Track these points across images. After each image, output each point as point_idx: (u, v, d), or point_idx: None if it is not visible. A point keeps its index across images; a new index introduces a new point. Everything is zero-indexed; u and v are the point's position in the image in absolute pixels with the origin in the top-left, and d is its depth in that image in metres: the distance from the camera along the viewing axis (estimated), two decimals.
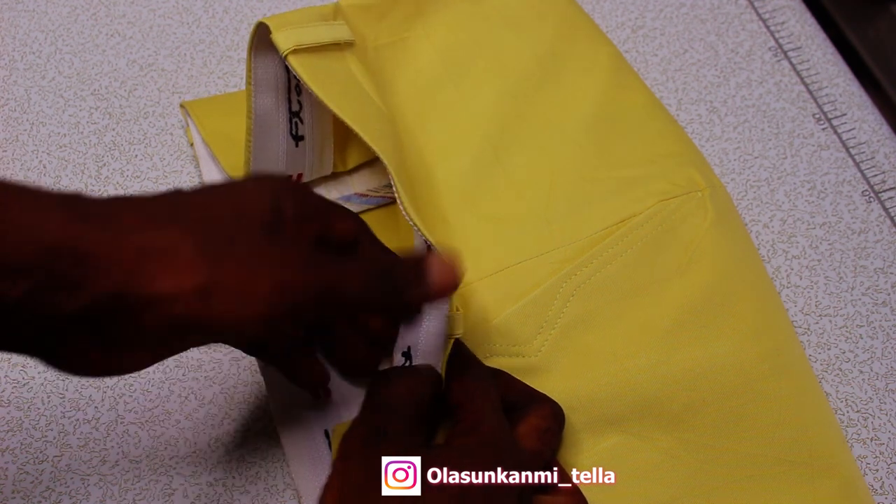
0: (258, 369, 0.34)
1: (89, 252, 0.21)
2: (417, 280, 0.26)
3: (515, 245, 0.34)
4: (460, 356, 0.29)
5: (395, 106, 0.38)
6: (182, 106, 0.41)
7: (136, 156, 0.41)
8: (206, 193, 0.25)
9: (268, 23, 0.32)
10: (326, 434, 0.33)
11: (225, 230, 0.23)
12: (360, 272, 0.25)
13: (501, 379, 0.31)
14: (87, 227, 0.21)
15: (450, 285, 0.26)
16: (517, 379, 0.31)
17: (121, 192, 0.40)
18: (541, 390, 0.31)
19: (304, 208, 0.25)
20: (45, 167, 0.40)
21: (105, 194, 0.39)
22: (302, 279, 0.24)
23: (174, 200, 0.24)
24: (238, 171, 0.37)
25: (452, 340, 0.28)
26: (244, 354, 0.36)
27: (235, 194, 0.25)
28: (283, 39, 0.32)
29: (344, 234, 0.27)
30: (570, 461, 0.30)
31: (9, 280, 0.20)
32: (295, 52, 0.32)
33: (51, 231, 0.21)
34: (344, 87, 0.33)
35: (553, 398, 0.31)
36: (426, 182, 0.36)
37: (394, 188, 0.29)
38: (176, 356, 0.34)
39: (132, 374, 0.35)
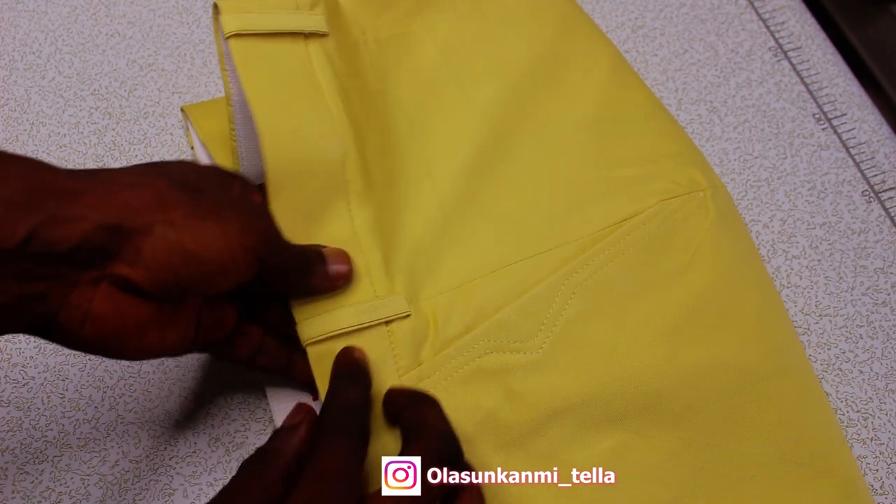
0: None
1: (82, 190, 0.23)
2: (320, 264, 0.30)
3: (517, 242, 0.34)
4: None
5: (397, 99, 0.38)
6: (182, 110, 0.41)
7: (136, 156, 0.41)
8: (175, 163, 0.28)
9: (219, 4, 0.32)
10: None
11: (193, 178, 0.26)
12: (289, 243, 0.29)
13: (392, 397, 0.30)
14: (77, 174, 0.24)
15: (345, 273, 0.31)
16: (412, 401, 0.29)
17: None
18: (541, 388, 0.31)
19: (245, 184, 0.30)
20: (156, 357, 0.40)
21: None
22: (259, 219, 0.27)
23: (151, 164, 0.27)
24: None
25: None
26: None
27: (188, 164, 0.28)
28: (228, 22, 0.32)
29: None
30: (572, 460, 0.30)
31: (10, 224, 0.21)
32: (238, 35, 0.32)
33: (46, 179, 0.23)
34: (282, 78, 0.33)
35: (554, 396, 0.31)
36: (427, 176, 0.36)
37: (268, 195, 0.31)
38: (176, 356, 0.34)
39: (132, 375, 0.35)
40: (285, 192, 0.32)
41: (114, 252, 0.23)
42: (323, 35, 0.35)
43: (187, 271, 0.25)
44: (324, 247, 0.31)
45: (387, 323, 0.31)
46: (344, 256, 0.31)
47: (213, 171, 0.28)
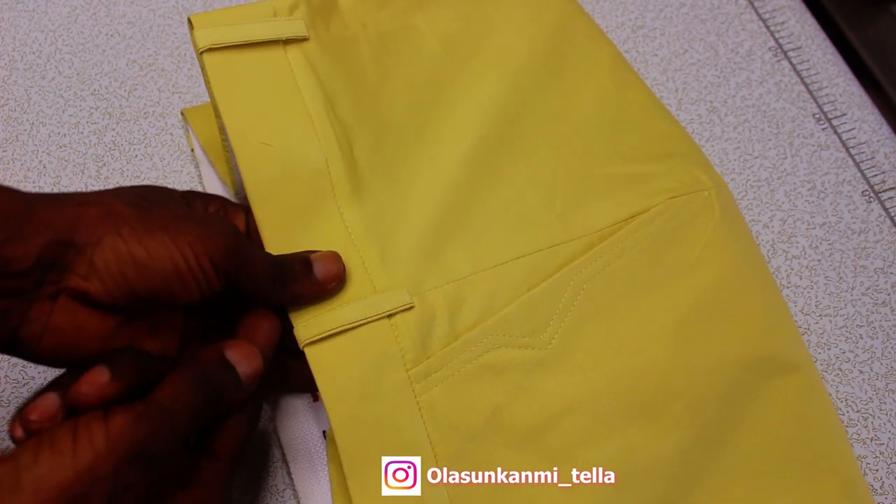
0: None
1: (33, 209, 0.24)
2: (306, 271, 0.29)
3: (524, 237, 0.34)
4: None
5: (398, 92, 0.38)
6: (182, 114, 0.41)
7: (136, 156, 0.41)
8: (135, 186, 0.29)
9: (192, 19, 0.33)
10: (325, 435, 0.33)
11: (148, 195, 0.27)
12: (263, 253, 0.29)
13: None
14: (33, 196, 0.25)
15: (337, 276, 0.30)
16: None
17: None
18: (550, 384, 0.31)
19: (205, 200, 0.30)
20: (45, 167, 0.40)
21: None
22: (219, 229, 0.27)
23: (110, 189, 0.28)
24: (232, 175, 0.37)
25: None
26: None
27: (150, 186, 0.29)
28: (202, 37, 0.32)
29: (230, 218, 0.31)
30: (581, 456, 0.30)
31: None
32: (210, 50, 0.32)
33: (3, 203, 0.24)
34: (258, 88, 0.33)
35: (563, 392, 0.31)
36: (430, 167, 0.36)
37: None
38: None
39: None
40: (267, 200, 0.32)
41: (67, 265, 0.24)
42: (303, 39, 0.35)
43: (142, 282, 0.25)
44: (313, 252, 0.31)
45: (389, 316, 0.31)
46: (333, 258, 0.31)
47: (175, 193, 0.29)
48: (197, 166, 0.41)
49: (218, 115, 0.34)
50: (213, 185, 0.39)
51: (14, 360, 0.35)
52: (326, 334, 0.30)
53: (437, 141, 0.36)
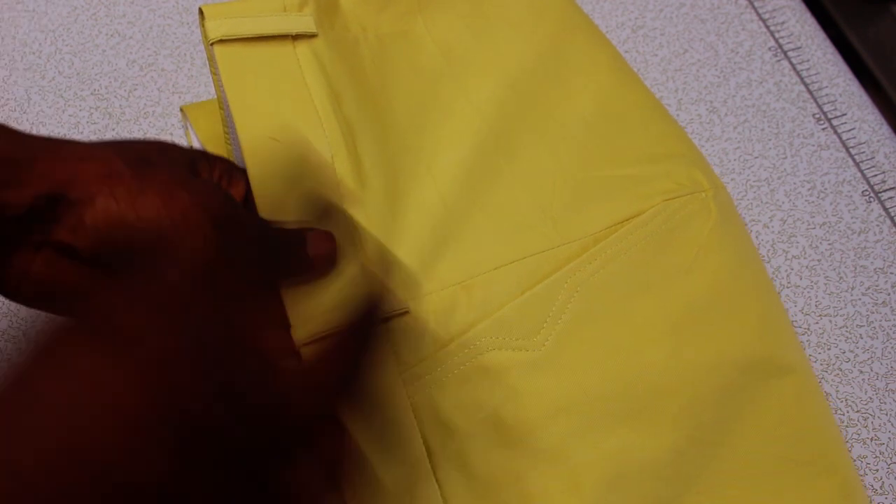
0: None
1: (34, 157, 0.24)
2: (300, 246, 0.29)
3: (519, 240, 0.34)
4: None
5: (397, 95, 0.38)
6: (182, 110, 0.41)
7: None
8: (140, 141, 0.28)
9: (204, 10, 0.33)
10: None
11: (149, 155, 0.27)
12: (260, 222, 0.29)
13: None
14: (34, 140, 0.25)
15: (330, 257, 0.30)
16: None
17: None
18: (544, 386, 0.31)
19: (210, 163, 0.29)
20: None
21: None
22: (214, 200, 0.27)
23: (113, 140, 0.27)
24: None
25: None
26: None
27: (156, 142, 0.28)
28: (213, 28, 0.32)
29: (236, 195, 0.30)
30: (576, 458, 0.30)
31: None
32: (222, 42, 0.32)
33: (1, 145, 0.24)
34: (267, 82, 0.33)
35: (557, 394, 0.31)
36: (428, 172, 0.36)
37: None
38: None
39: None
40: (270, 194, 0.32)
41: (57, 219, 0.24)
42: (312, 36, 0.35)
43: (128, 242, 0.25)
44: (309, 229, 0.30)
45: (385, 319, 0.31)
46: (325, 237, 0.30)
47: (179, 153, 0.28)
48: None
49: (223, 108, 0.34)
50: None
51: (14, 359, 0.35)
52: (323, 335, 0.30)
53: (435, 146, 0.36)
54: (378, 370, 0.30)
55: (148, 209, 0.25)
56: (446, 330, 0.32)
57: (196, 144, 0.40)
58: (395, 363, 0.31)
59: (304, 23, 0.35)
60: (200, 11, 0.33)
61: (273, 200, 0.32)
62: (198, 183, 0.27)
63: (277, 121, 0.33)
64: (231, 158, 0.35)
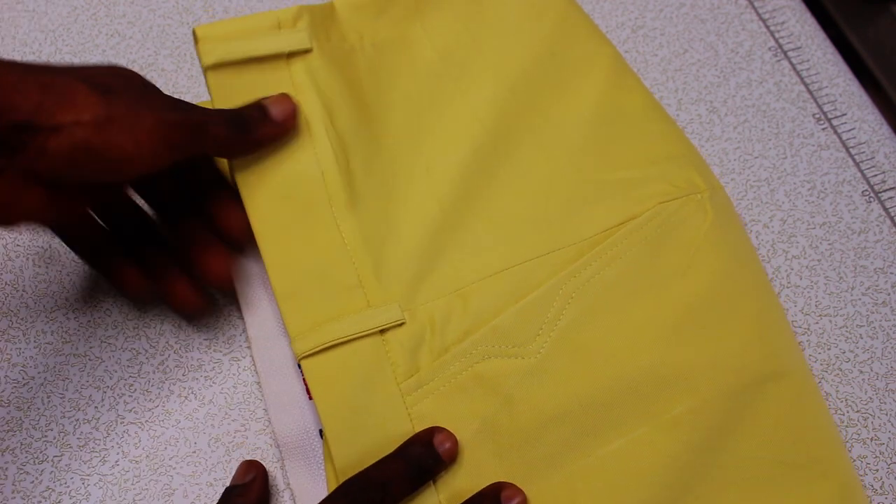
0: (257, 370, 0.34)
1: (1, 84, 0.24)
2: (263, 117, 0.32)
3: (514, 245, 0.34)
4: None
5: (394, 102, 0.38)
6: None
7: None
8: (104, 66, 0.29)
9: (197, 32, 0.33)
10: (321, 433, 0.33)
11: (112, 82, 0.28)
12: (219, 114, 0.31)
13: None
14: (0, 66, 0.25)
15: (292, 112, 0.33)
16: None
17: None
18: (540, 393, 0.31)
19: (140, 81, 0.30)
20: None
21: None
22: (178, 117, 0.29)
23: (78, 66, 0.28)
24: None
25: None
26: (244, 355, 0.36)
27: (113, 67, 0.30)
28: (206, 53, 0.33)
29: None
30: (573, 466, 0.30)
31: None
32: (216, 67, 0.33)
33: None
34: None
35: (553, 401, 0.31)
36: (425, 178, 0.36)
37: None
38: (176, 356, 0.34)
39: (132, 375, 0.35)
40: (264, 211, 0.33)
41: (21, 147, 0.25)
42: (306, 51, 0.35)
43: (92, 167, 0.27)
44: (265, 98, 0.33)
45: (382, 332, 0.32)
46: (285, 98, 0.33)
47: (138, 78, 0.30)
48: None
49: None
50: None
51: (14, 359, 0.35)
52: (321, 348, 0.31)
53: (432, 151, 0.37)
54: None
55: (113, 135, 0.26)
56: (442, 339, 0.32)
57: None
58: (391, 374, 0.31)
59: (298, 39, 0.35)
60: (194, 33, 0.33)
61: (268, 217, 0.33)
62: (157, 99, 0.29)
63: (275, 155, 0.33)
64: (227, 164, 0.35)
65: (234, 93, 0.33)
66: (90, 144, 0.26)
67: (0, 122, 0.24)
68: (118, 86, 0.28)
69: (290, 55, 0.35)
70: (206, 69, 0.33)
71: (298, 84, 0.35)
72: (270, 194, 0.33)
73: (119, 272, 0.34)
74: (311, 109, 0.34)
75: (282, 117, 0.33)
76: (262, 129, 0.32)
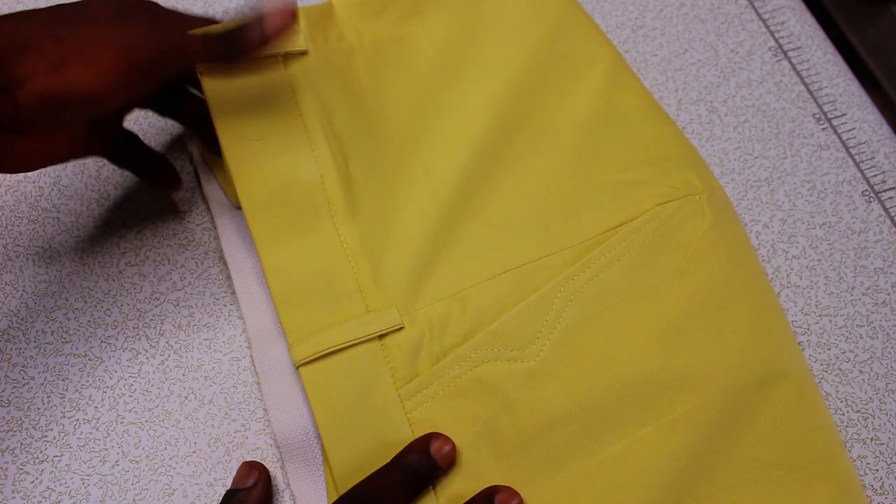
0: (256, 371, 0.34)
1: None
2: (256, 24, 0.30)
3: (513, 249, 0.34)
4: None
5: (394, 102, 0.38)
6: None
7: None
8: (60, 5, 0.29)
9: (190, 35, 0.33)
10: None
11: (73, 19, 0.27)
12: (201, 36, 0.30)
13: None
14: None
15: (284, 25, 0.31)
16: None
17: (122, 191, 0.40)
18: (539, 396, 0.31)
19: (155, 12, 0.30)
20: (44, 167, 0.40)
21: (105, 194, 0.39)
22: (149, 41, 0.28)
23: (32, 10, 0.28)
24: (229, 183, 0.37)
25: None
26: (244, 355, 0.36)
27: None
28: (209, 83, 0.33)
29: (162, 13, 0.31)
30: (573, 468, 0.30)
31: None
32: (209, 70, 0.33)
33: None
34: (255, 105, 0.34)
35: (553, 404, 0.31)
36: (425, 180, 0.36)
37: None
38: (176, 356, 0.34)
39: (132, 375, 0.35)
40: (263, 216, 0.33)
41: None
42: (302, 53, 0.35)
43: (62, 109, 0.27)
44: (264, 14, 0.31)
45: (380, 337, 0.32)
46: (283, 10, 0.31)
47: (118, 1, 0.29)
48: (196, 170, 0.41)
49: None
50: (213, 191, 0.38)
51: (14, 359, 0.35)
52: (319, 354, 0.31)
53: (432, 152, 0.37)
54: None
55: (77, 76, 0.26)
56: (441, 343, 0.32)
57: (195, 154, 0.39)
58: (391, 379, 0.31)
59: (294, 41, 0.35)
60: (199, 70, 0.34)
61: (267, 222, 0.33)
62: (129, 25, 0.28)
63: (265, 144, 0.34)
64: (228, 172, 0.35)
65: (228, 96, 0.33)
66: (53, 89, 0.26)
67: None
68: (81, 22, 0.27)
69: (287, 56, 0.35)
70: (200, 73, 0.33)
71: (296, 86, 0.35)
72: (269, 199, 0.33)
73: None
74: (309, 112, 0.34)
75: (272, 27, 0.31)
76: (249, 40, 0.31)
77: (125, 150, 0.36)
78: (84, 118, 0.29)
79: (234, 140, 0.33)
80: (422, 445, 0.29)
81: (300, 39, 0.35)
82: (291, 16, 0.31)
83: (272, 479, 0.33)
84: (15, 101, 0.26)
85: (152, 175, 0.37)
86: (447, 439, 0.30)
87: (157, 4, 0.31)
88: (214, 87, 0.33)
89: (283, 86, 0.35)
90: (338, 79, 0.36)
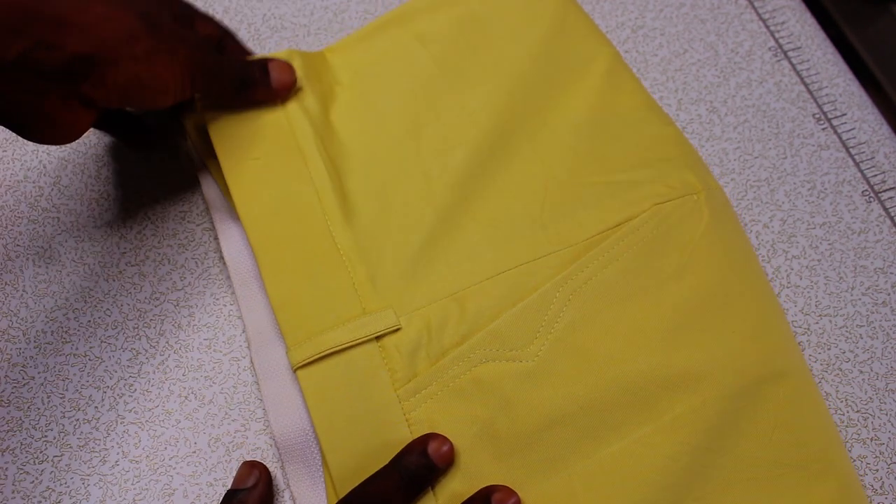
0: (256, 372, 0.34)
1: (65, 21, 0.28)
2: (264, 79, 0.36)
3: (511, 249, 0.34)
4: None
5: (391, 109, 0.38)
6: (184, 125, 0.41)
7: (136, 156, 0.41)
8: None
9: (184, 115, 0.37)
10: None
11: (156, 17, 0.31)
12: (231, 68, 0.35)
13: None
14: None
15: (288, 84, 0.36)
16: None
17: (122, 191, 0.40)
18: (538, 396, 0.31)
19: (176, 11, 0.33)
20: (45, 167, 0.40)
21: (105, 194, 0.39)
22: (205, 57, 0.33)
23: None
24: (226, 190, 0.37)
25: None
26: (244, 355, 0.36)
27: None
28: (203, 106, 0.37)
29: (208, 35, 0.35)
30: (573, 468, 0.30)
31: (5, 44, 0.27)
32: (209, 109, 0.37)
33: (35, 6, 0.27)
34: (253, 132, 0.36)
35: (552, 404, 0.31)
36: (422, 183, 0.36)
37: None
38: (176, 356, 0.34)
39: (132, 375, 0.35)
40: (261, 225, 0.34)
41: (84, 76, 0.29)
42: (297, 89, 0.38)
43: (139, 95, 0.31)
44: (271, 59, 0.36)
45: (378, 338, 0.32)
46: (287, 68, 0.36)
47: (174, 4, 0.33)
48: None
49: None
50: (212, 195, 0.38)
51: (14, 359, 0.35)
52: (317, 357, 0.31)
53: (429, 155, 0.37)
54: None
55: (161, 68, 0.30)
56: (439, 344, 0.32)
57: (196, 159, 0.39)
58: (389, 380, 0.31)
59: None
60: (185, 117, 0.36)
61: (266, 234, 0.34)
62: (190, 39, 0.32)
63: (263, 167, 0.36)
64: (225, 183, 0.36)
65: (226, 121, 0.36)
66: (141, 76, 0.30)
67: (70, 55, 0.28)
68: (161, 17, 0.31)
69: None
70: (198, 99, 0.35)
71: (291, 114, 0.37)
72: (267, 210, 0.34)
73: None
74: (304, 136, 0.36)
75: (279, 86, 0.36)
76: (258, 92, 0.36)
77: (109, 116, 0.38)
78: (142, 107, 0.33)
79: (233, 160, 0.35)
80: (419, 446, 0.29)
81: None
82: (293, 75, 0.36)
83: (273, 479, 0.33)
84: (104, 77, 0.29)
85: (131, 135, 0.39)
86: (445, 439, 0.30)
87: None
88: (213, 114, 0.36)
89: (279, 114, 0.37)
90: (332, 107, 0.38)
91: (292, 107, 0.37)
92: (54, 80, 0.28)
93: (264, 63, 0.36)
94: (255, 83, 0.35)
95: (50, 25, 0.28)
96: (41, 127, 0.30)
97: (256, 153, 0.36)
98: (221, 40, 0.36)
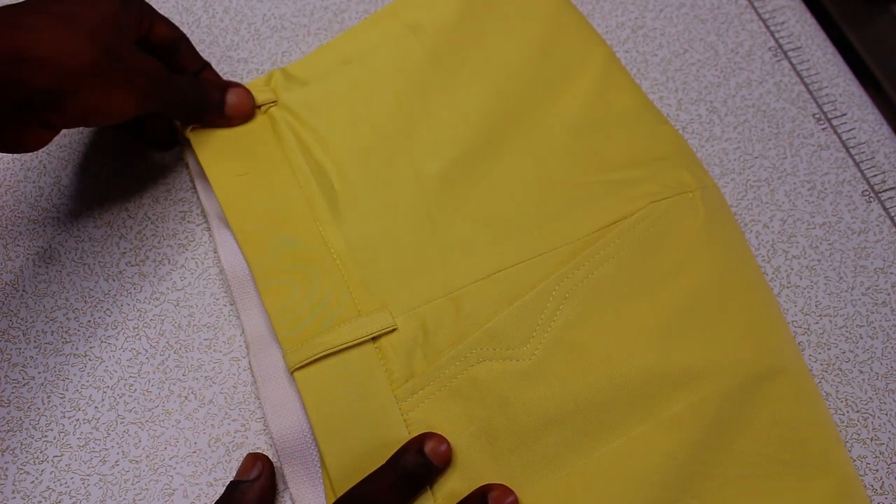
0: (255, 374, 0.34)
1: (29, 56, 0.29)
2: (220, 104, 0.37)
3: (507, 248, 0.34)
4: None
5: (384, 106, 0.38)
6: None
7: (136, 157, 0.41)
8: (106, 19, 0.33)
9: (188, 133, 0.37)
10: None
11: (117, 51, 0.31)
12: (184, 97, 0.36)
13: None
14: (15, 27, 0.29)
15: (244, 110, 0.38)
16: None
17: (122, 192, 0.40)
18: (536, 395, 0.31)
19: (133, 37, 0.34)
20: (45, 167, 0.40)
21: (105, 194, 0.39)
22: (162, 86, 0.34)
23: (42, 3, 0.31)
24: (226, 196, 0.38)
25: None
26: (244, 355, 0.36)
27: (111, 19, 0.33)
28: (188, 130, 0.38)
29: (162, 38, 0.36)
30: (571, 467, 0.30)
31: None
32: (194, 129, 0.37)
33: (12, 40, 0.28)
34: (240, 145, 0.37)
35: (549, 403, 0.31)
36: (415, 182, 0.36)
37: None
38: (176, 356, 0.34)
39: (132, 375, 0.35)
40: (254, 237, 0.35)
41: (44, 107, 0.30)
42: (272, 103, 0.39)
43: (95, 120, 0.32)
44: (232, 85, 0.38)
45: (374, 339, 0.32)
46: (245, 96, 0.38)
47: (132, 30, 0.34)
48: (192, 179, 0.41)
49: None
50: (209, 202, 0.38)
51: (14, 360, 0.35)
52: (313, 359, 0.31)
53: (421, 155, 0.37)
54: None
55: (118, 99, 0.32)
56: (436, 344, 0.32)
57: (191, 162, 0.39)
58: (386, 380, 0.31)
59: (265, 95, 0.39)
60: (185, 137, 0.37)
61: (260, 237, 0.35)
62: (147, 65, 0.33)
63: (252, 176, 0.36)
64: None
65: (212, 141, 0.37)
66: (99, 107, 0.31)
67: (30, 88, 0.29)
68: (121, 51, 0.32)
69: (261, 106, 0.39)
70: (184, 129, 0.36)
71: (276, 121, 0.38)
72: (259, 223, 0.35)
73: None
74: (289, 144, 0.37)
75: (232, 112, 0.37)
76: (213, 116, 0.37)
77: (135, 123, 0.38)
78: (99, 125, 0.34)
79: (221, 177, 0.36)
80: (416, 446, 0.29)
81: (269, 93, 0.39)
82: (249, 100, 0.38)
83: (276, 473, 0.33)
84: (64, 106, 0.30)
85: (156, 140, 0.40)
86: (441, 439, 0.30)
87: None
88: (198, 133, 0.37)
89: (264, 123, 0.38)
90: (320, 112, 0.39)
91: (277, 113, 0.38)
92: (15, 109, 0.30)
93: (225, 87, 0.37)
94: (209, 108, 0.37)
95: (12, 61, 0.29)
96: (3, 142, 0.32)
97: (243, 168, 0.36)
98: (175, 44, 0.37)
